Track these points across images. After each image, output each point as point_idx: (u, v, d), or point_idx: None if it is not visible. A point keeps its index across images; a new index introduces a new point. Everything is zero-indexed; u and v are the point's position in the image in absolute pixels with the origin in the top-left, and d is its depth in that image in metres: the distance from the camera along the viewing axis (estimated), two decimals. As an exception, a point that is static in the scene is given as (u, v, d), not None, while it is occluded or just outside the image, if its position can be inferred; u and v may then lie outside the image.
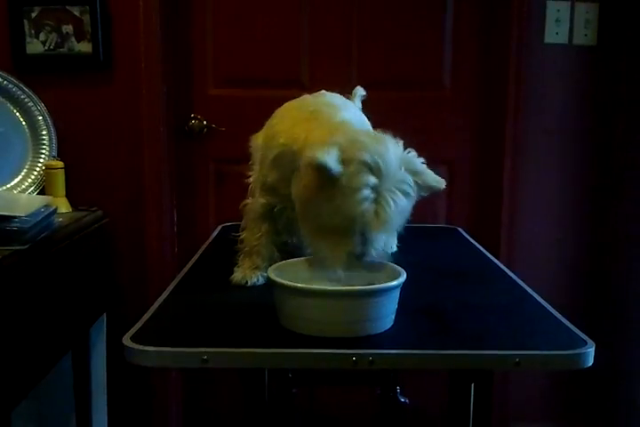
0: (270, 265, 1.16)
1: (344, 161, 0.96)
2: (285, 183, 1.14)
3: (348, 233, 0.99)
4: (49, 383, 1.80)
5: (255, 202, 1.23)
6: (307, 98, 1.28)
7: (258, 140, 1.28)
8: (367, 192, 0.95)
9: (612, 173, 2.10)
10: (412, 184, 0.99)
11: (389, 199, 0.96)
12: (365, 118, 1.33)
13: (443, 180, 1.04)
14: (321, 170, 0.94)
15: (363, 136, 1.02)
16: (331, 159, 0.94)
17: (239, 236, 1.25)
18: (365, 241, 1.00)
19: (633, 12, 2.01)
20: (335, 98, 1.30)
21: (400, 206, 0.97)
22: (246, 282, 1.18)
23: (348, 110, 1.23)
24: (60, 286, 1.60)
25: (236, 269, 1.21)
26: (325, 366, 0.93)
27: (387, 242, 1.42)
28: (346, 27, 2.08)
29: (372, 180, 0.95)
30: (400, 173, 0.98)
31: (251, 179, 1.29)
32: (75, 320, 1.71)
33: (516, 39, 2.01)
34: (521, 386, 2.20)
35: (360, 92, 1.42)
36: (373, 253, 1.01)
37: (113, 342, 1.93)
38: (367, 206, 0.96)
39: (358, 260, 1.01)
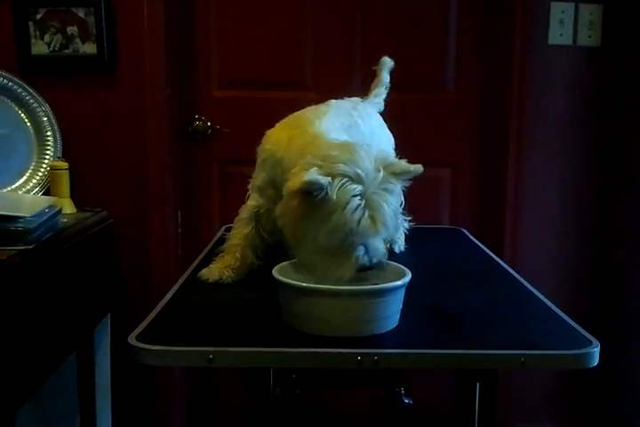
0: (244, 267, 1.22)
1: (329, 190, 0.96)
2: (271, 184, 1.20)
3: (350, 248, 0.99)
4: (53, 384, 1.80)
5: (247, 204, 1.26)
6: (312, 106, 1.32)
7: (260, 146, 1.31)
8: (357, 201, 0.97)
9: (615, 174, 2.09)
10: (394, 181, 1.01)
11: (379, 201, 0.98)
12: (371, 120, 1.34)
13: (419, 165, 1.05)
14: (310, 190, 0.95)
15: (333, 150, 1.03)
16: (314, 177, 0.95)
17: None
18: (368, 249, 1.00)
19: (637, 13, 2.00)
20: (334, 105, 1.32)
21: (391, 205, 0.99)
22: (208, 279, 1.21)
23: (331, 116, 1.24)
24: (65, 286, 1.60)
25: (210, 265, 1.24)
26: (330, 365, 0.93)
27: (393, 240, 1.43)
28: (349, 29, 2.08)
29: (357, 188, 0.97)
30: (379, 174, 0.99)
31: (250, 185, 1.31)
32: (79, 321, 1.71)
33: (519, 40, 2.01)
34: (525, 387, 2.19)
35: (388, 63, 1.43)
36: (381, 258, 1.02)
37: (117, 342, 1.93)
38: (360, 214, 0.97)
39: (369, 270, 1.01)
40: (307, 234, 1.00)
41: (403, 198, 1.45)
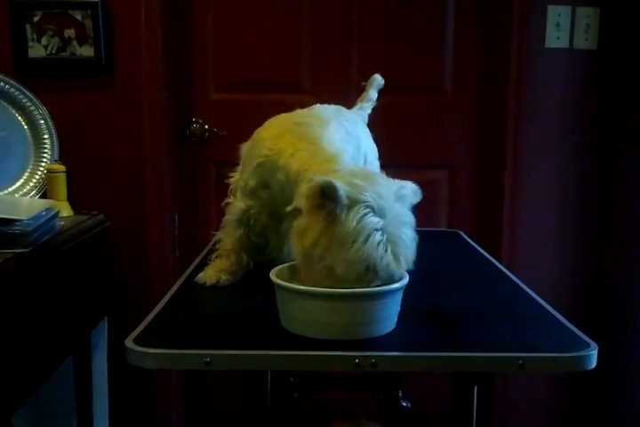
0: (240, 270, 1.21)
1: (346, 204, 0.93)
2: (265, 189, 1.19)
3: (368, 283, 0.94)
4: (50, 387, 1.79)
5: (235, 206, 1.24)
6: (298, 110, 1.29)
7: (245, 146, 1.29)
8: (379, 236, 0.92)
9: (613, 177, 2.10)
10: (409, 213, 0.99)
11: (401, 236, 0.95)
12: (357, 128, 1.33)
13: (418, 191, 1.02)
14: (328, 192, 0.91)
15: (358, 178, 0.98)
16: (337, 183, 0.91)
17: (217, 234, 1.28)
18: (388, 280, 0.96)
19: (633, 17, 2.01)
20: (326, 111, 1.29)
21: (410, 238, 0.96)
22: (205, 283, 1.21)
23: (335, 125, 1.22)
24: (62, 289, 1.60)
25: (205, 268, 1.24)
26: (328, 368, 0.93)
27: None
28: (346, 32, 2.08)
29: (380, 222, 0.93)
30: (397, 206, 0.97)
31: (232, 180, 1.30)
32: (76, 323, 1.71)
33: (516, 44, 2.02)
34: (523, 390, 2.19)
35: (378, 81, 1.41)
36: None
37: (114, 345, 1.93)
38: (383, 250, 0.93)
39: None
40: (321, 258, 0.94)
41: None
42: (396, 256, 0.94)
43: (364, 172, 1.04)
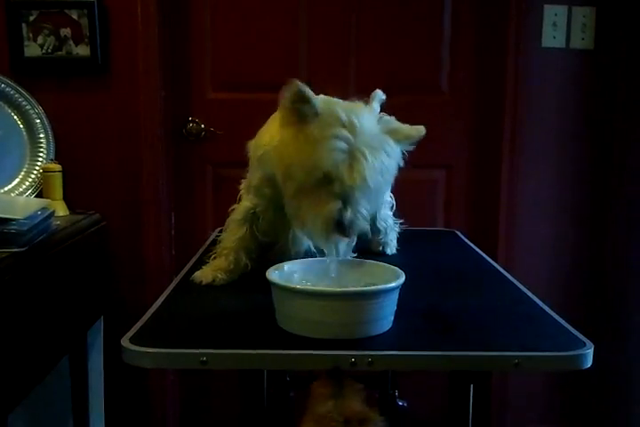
0: (237, 269, 1.21)
1: (319, 112, 0.99)
2: (268, 183, 1.17)
3: (326, 197, 0.99)
4: (46, 386, 1.79)
5: (240, 205, 1.25)
6: None
7: (250, 143, 1.29)
8: (339, 143, 0.97)
9: (609, 177, 2.10)
10: (393, 144, 1.01)
11: (366, 154, 0.97)
12: None
13: (421, 127, 1.07)
14: (301, 94, 0.98)
15: (339, 103, 1.05)
16: (308, 91, 0.99)
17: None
18: (346, 206, 0.99)
19: (629, 16, 2.01)
20: None
21: (379, 164, 0.99)
22: (201, 281, 1.20)
23: None
24: (58, 288, 1.60)
25: (202, 267, 1.23)
26: (324, 367, 0.93)
27: (385, 242, 1.44)
28: (344, 31, 2.08)
29: (345, 133, 0.97)
30: (378, 134, 1.00)
31: (242, 185, 1.30)
32: (72, 323, 1.71)
33: (513, 43, 2.02)
34: (519, 390, 2.20)
35: (379, 95, 1.43)
36: (358, 223, 1.01)
37: (110, 345, 1.93)
38: (339, 157, 0.97)
39: (342, 231, 1.01)
40: (290, 163, 1.00)
41: (394, 202, 1.46)
42: (352, 169, 0.97)
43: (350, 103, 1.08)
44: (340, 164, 0.97)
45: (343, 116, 0.99)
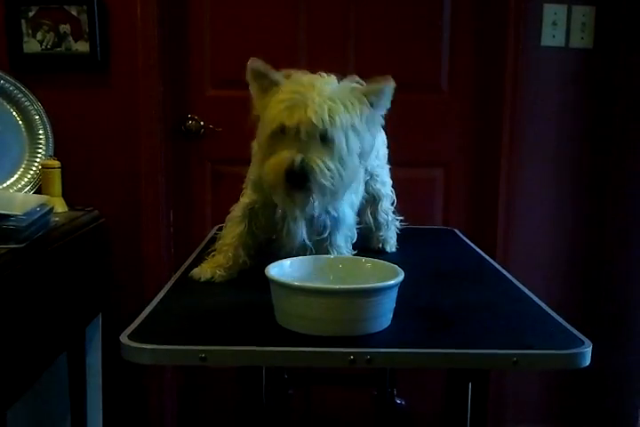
0: (236, 266, 1.21)
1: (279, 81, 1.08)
2: None
3: (283, 144, 1.04)
4: (44, 383, 1.79)
5: (240, 202, 1.25)
6: None
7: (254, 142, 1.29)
8: (294, 95, 1.04)
9: (608, 175, 2.10)
10: (356, 102, 1.06)
11: (315, 100, 1.03)
12: None
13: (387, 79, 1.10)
14: (260, 74, 1.09)
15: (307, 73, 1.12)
16: (263, 66, 1.09)
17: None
18: (305, 158, 1.03)
19: (629, 16, 2.01)
20: None
21: (337, 116, 1.02)
22: (200, 278, 1.20)
23: None
24: (56, 285, 1.59)
25: (201, 264, 1.24)
26: (323, 364, 0.93)
27: (385, 239, 1.44)
28: (343, 29, 2.08)
29: (300, 88, 1.04)
30: (338, 92, 1.06)
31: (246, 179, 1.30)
32: (70, 320, 1.71)
33: (512, 42, 2.02)
34: (517, 387, 2.20)
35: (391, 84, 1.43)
36: (314, 170, 1.03)
37: (108, 342, 1.93)
38: (292, 107, 1.03)
39: (294, 180, 1.04)
40: (258, 131, 1.09)
41: (394, 197, 1.47)
42: (301, 113, 1.02)
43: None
44: (292, 113, 1.03)
45: (303, 78, 1.07)
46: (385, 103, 1.10)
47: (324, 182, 1.05)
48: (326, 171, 1.04)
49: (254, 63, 1.10)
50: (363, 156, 1.11)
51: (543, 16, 2.03)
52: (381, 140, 1.45)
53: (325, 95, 1.05)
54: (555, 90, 2.07)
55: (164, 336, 0.94)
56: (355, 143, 1.07)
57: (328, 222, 1.20)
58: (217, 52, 2.07)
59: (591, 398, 2.19)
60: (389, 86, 1.09)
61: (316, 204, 1.10)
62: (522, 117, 2.06)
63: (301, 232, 1.18)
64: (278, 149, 1.05)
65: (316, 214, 1.17)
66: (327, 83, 1.09)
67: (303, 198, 1.09)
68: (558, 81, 2.06)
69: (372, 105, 1.09)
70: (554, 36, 2.04)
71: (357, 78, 1.12)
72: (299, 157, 1.03)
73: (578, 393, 2.21)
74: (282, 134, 1.05)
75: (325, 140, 1.04)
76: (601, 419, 2.19)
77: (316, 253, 1.17)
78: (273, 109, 1.06)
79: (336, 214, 1.21)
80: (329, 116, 1.03)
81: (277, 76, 1.09)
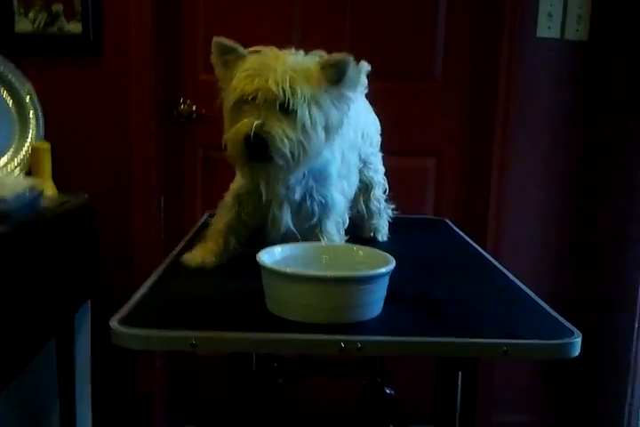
0: (226, 253, 1.21)
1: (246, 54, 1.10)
2: None
3: (243, 112, 1.05)
4: (32, 370, 1.78)
5: (230, 188, 1.25)
6: None
7: None
8: (256, 65, 1.05)
9: (601, 167, 2.11)
10: (320, 75, 1.06)
11: (277, 70, 1.03)
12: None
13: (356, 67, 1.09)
14: (224, 50, 1.10)
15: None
16: (228, 41, 1.11)
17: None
18: (264, 124, 1.03)
19: (624, 8, 2.01)
20: None
21: (301, 91, 1.03)
22: (190, 264, 1.20)
23: None
24: (45, 270, 1.58)
25: (191, 250, 1.23)
26: (313, 351, 0.93)
27: (376, 228, 1.44)
28: (338, 16, 2.07)
29: (264, 60, 1.05)
30: (302, 64, 1.06)
31: None
32: (59, 306, 1.70)
33: (507, 32, 2.01)
34: (506, 378, 2.21)
35: (365, 66, 1.42)
36: (266, 136, 1.03)
37: (98, 328, 1.92)
38: (253, 76, 1.04)
39: (252, 147, 1.03)
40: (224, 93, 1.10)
41: (387, 185, 1.46)
42: (260, 81, 1.03)
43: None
44: (253, 81, 1.03)
45: (269, 52, 1.07)
46: (350, 78, 1.08)
47: (284, 150, 1.04)
48: (285, 139, 1.04)
49: (219, 39, 1.12)
50: (329, 131, 1.10)
51: (539, 7, 2.02)
52: (375, 127, 1.45)
53: (288, 66, 1.05)
54: (549, 81, 2.07)
55: (155, 322, 0.94)
56: (318, 116, 1.06)
57: (316, 209, 1.19)
58: (211, 35, 2.03)
59: (580, 388, 2.21)
60: (347, 60, 1.07)
61: (281, 176, 1.11)
62: (515, 108, 2.06)
63: (286, 219, 1.18)
64: (239, 117, 1.06)
65: (298, 198, 1.17)
66: (292, 55, 1.09)
67: (265, 169, 1.08)
68: (552, 72, 2.06)
69: (333, 79, 1.07)
70: (549, 28, 2.04)
71: (323, 53, 1.11)
72: (257, 123, 1.03)
73: (567, 383, 2.23)
74: (245, 104, 1.05)
75: (287, 110, 1.04)
76: (590, 408, 2.21)
77: (304, 241, 1.16)
78: (236, 79, 1.07)
79: (324, 200, 1.19)
80: (290, 86, 1.03)
81: (243, 51, 1.10)
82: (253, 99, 1.04)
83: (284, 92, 1.03)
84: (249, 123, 1.03)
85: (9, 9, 1.84)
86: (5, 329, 1.37)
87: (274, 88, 1.03)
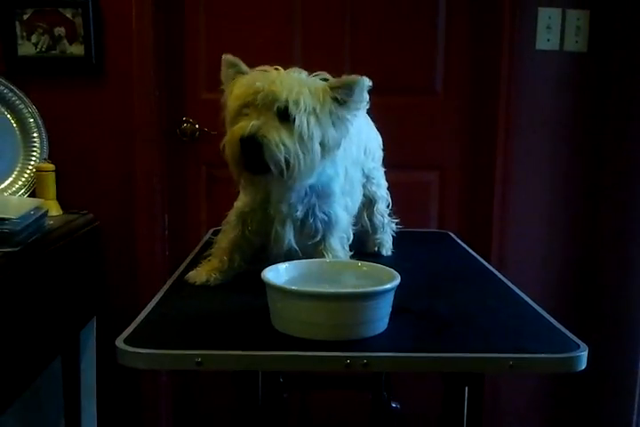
0: (231, 270, 1.21)
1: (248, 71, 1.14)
2: None
3: (242, 118, 1.07)
4: (38, 387, 1.78)
5: (234, 206, 1.25)
6: None
7: None
8: (258, 77, 1.08)
9: (603, 178, 2.11)
10: (321, 90, 1.07)
11: (277, 80, 1.05)
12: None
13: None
14: (232, 66, 1.14)
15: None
16: (234, 58, 1.15)
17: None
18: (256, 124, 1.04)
19: (623, 19, 2.02)
20: None
21: (301, 102, 1.04)
22: (195, 282, 1.20)
23: None
24: (51, 289, 1.59)
25: (196, 267, 1.24)
26: (319, 368, 0.92)
27: (380, 243, 1.44)
28: (338, 31, 2.08)
29: (266, 74, 1.08)
30: (307, 80, 1.08)
31: None
32: (65, 324, 1.70)
33: (507, 45, 2.02)
34: (513, 393, 2.20)
35: (366, 82, 1.43)
36: (261, 139, 1.04)
37: (103, 345, 1.92)
38: (256, 87, 1.06)
39: (248, 149, 1.05)
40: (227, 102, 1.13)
41: (390, 199, 1.47)
42: (261, 89, 1.05)
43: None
44: (255, 87, 1.06)
45: (270, 68, 1.10)
46: (355, 101, 1.10)
47: (279, 156, 1.04)
48: (281, 145, 1.04)
49: (228, 56, 1.16)
50: (326, 149, 1.10)
51: (538, 20, 2.03)
52: (377, 142, 1.46)
53: (292, 78, 1.07)
54: (549, 93, 2.07)
55: (160, 341, 0.94)
56: (316, 130, 1.07)
57: (319, 226, 1.19)
58: (212, 54, 2.06)
59: (587, 401, 2.19)
60: (360, 82, 1.08)
61: (279, 189, 1.11)
62: (516, 120, 2.06)
63: (289, 236, 1.18)
64: (238, 123, 1.08)
65: (301, 216, 1.17)
66: (296, 72, 1.11)
67: (263, 183, 1.10)
68: (552, 84, 2.07)
69: (339, 100, 1.08)
70: (548, 40, 2.05)
71: (327, 74, 1.12)
72: (254, 123, 1.04)
73: (573, 397, 2.21)
74: (245, 108, 1.07)
75: (286, 118, 1.04)
76: (596, 422, 2.19)
77: (308, 258, 1.17)
78: (237, 89, 1.09)
79: (327, 218, 1.19)
80: (294, 92, 1.05)
81: (246, 67, 1.14)
82: (254, 104, 1.06)
83: (285, 96, 1.04)
84: (246, 125, 1.05)
85: (12, 33, 1.86)
86: (11, 347, 1.38)
87: (276, 88, 1.04)
